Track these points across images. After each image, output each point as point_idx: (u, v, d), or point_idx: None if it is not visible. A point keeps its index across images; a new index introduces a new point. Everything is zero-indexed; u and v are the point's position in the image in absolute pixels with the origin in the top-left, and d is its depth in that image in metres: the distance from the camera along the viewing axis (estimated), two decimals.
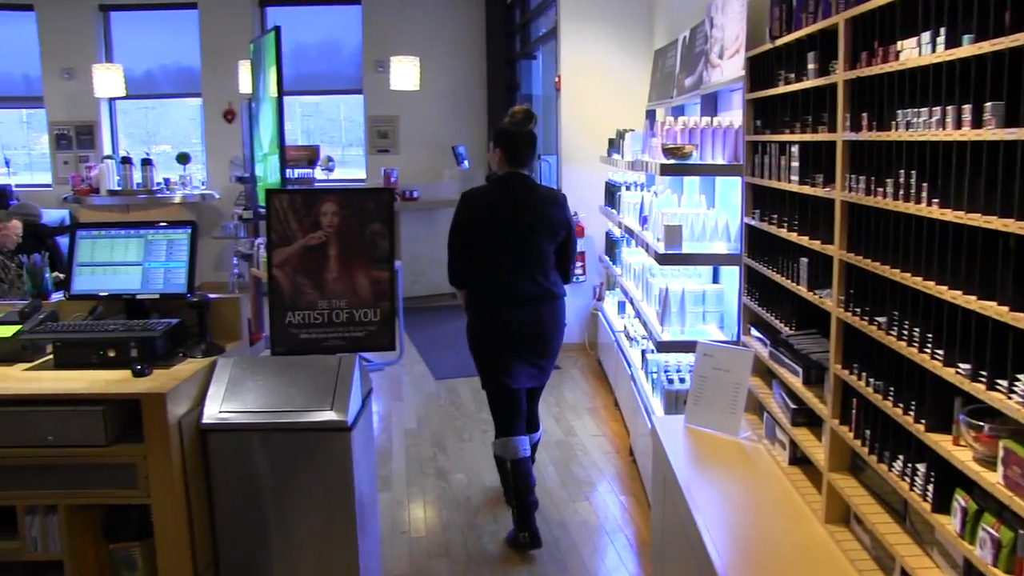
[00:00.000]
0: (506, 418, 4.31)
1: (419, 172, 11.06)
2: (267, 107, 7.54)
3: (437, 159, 11.00)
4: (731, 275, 4.34)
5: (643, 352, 5.08)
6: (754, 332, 3.46)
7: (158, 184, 11.10)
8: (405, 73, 10.13)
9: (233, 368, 3.38)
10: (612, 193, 6.52)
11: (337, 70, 11.85)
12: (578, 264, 7.65)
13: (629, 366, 5.43)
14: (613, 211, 6.42)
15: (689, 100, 5.39)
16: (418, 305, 9.95)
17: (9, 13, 11.78)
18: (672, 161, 3.97)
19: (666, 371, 4.35)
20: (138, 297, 3.60)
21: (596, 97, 7.58)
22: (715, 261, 4.06)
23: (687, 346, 4.15)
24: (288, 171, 10.99)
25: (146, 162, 10.98)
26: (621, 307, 6.62)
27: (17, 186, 11.83)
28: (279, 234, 3.85)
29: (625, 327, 6.10)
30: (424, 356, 7.91)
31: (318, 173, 11.03)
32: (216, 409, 3.24)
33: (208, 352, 3.48)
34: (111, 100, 12.14)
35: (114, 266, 3.64)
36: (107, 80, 11.02)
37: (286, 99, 12.21)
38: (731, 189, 4.64)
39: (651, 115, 6.95)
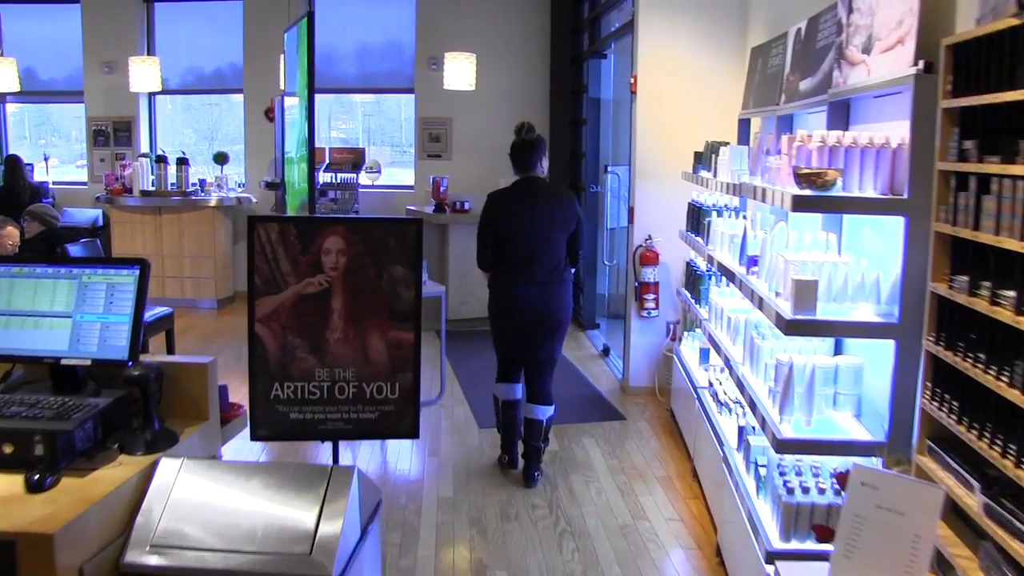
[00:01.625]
0: (505, 371, 5.31)
1: (472, 180, 10.03)
2: (299, 105, 6.57)
3: (492, 166, 9.86)
4: (868, 345, 3.23)
5: (741, 429, 3.98)
6: (935, 448, 2.36)
7: (193, 185, 10.29)
8: (460, 71, 9.13)
9: (181, 474, 2.36)
10: (698, 217, 5.42)
11: (390, 67, 10.88)
12: (650, 296, 6.57)
13: (718, 440, 4.33)
14: (699, 239, 5.32)
15: (805, 108, 4.28)
16: (465, 329, 8.92)
17: (57, 7, 11.15)
18: (808, 192, 2.87)
19: (781, 471, 3.25)
20: (63, 363, 2.60)
21: (677, 102, 6.49)
22: (866, 334, 2.95)
23: (818, 448, 3.04)
24: (331, 174, 10.14)
25: (181, 161, 10.20)
26: (704, 355, 5.52)
27: (55, 183, 11.21)
28: (265, 277, 2.83)
29: (711, 383, 5.00)
30: (468, 395, 6.88)
31: (363, 178, 10.12)
32: (146, 544, 2.21)
33: (153, 445, 2.47)
34: (151, 95, 11.42)
35: (36, 317, 2.65)
36: (144, 74, 10.26)
37: (345, 98, 11.48)
38: (864, 227, 3.53)
39: (744, 125, 5.84)
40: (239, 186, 10.78)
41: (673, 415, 6.20)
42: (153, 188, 10.13)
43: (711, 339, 4.74)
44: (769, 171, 3.45)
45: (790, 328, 2.90)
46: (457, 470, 5.38)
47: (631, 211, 6.76)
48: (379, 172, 10.33)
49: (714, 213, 5.05)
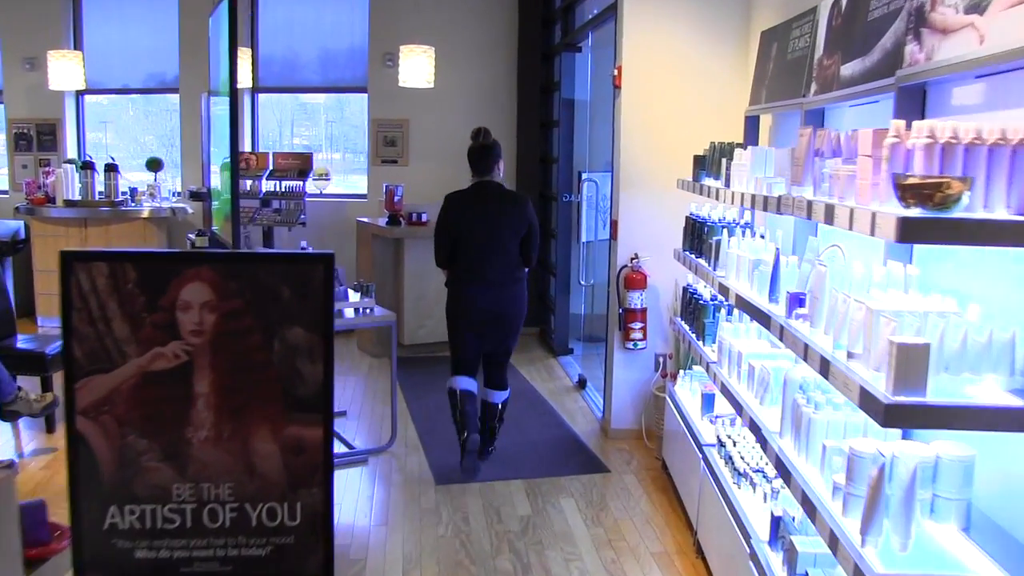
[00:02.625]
0: (460, 367, 5.34)
1: (431, 188, 8.99)
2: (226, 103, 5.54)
3: (453, 173, 8.77)
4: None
5: (776, 520, 3.02)
6: None
7: (123, 193, 9.21)
8: (417, 67, 8.14)
9: None
10: (700, 235, 4.48)
11: (343, 64, 9.88)
12: (636, 324, 5.63)
13: (739, 524, 3.38)
14: (701, 261, 4.37)
15: (848, 99, 3.34)
16: (424, 355, 7.94)
17: None
18: (918, 212, 1.91)
19: None
20: None
21: (669, 97, 5.54)
22: (1009, 424, 1.99)
23: None
24: (274, 182, 9.08)
25: (110, 168, 9.11)
26: (707, 402, 4.56)
27: None
28: (89, 347, 1.83)
29: (720, 440, 4.03)
30: (424, 439, 5.87)
31: (310, 186, 9.08)
32: None
33: None
34: (78, 94, 10.34)
35: None
36: (66, 70, 9.17)
37: (308, 104, 10.42)
38: (950, 257, 2.60)
39: (752, 123, 4.91)
40: (173, 195, 9.70)
41: (666, 467, 5.24)
42: (80, 198, 9.07)
43: (724, 389, 3.79)
44: (832, 180, 2.49)
45: (892, 416, 1.94)
46: (408, 544, 4.38)
47: (614, 225, 5.80)
48: (328, 179, 9.29)
49: (724, 231, 4.10)
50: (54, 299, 9.09)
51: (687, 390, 4.97)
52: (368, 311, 5.58)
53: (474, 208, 5.14)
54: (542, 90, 8.91)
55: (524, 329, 8.41)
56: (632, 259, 5.63)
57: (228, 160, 5.38)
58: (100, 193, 9.14)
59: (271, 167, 9.12)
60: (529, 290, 5.42)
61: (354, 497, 4.95)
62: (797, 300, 2.82)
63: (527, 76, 9.07)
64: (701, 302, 4.50)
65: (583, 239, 7.71)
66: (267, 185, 9.02)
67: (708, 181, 4.41)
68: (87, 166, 9.13)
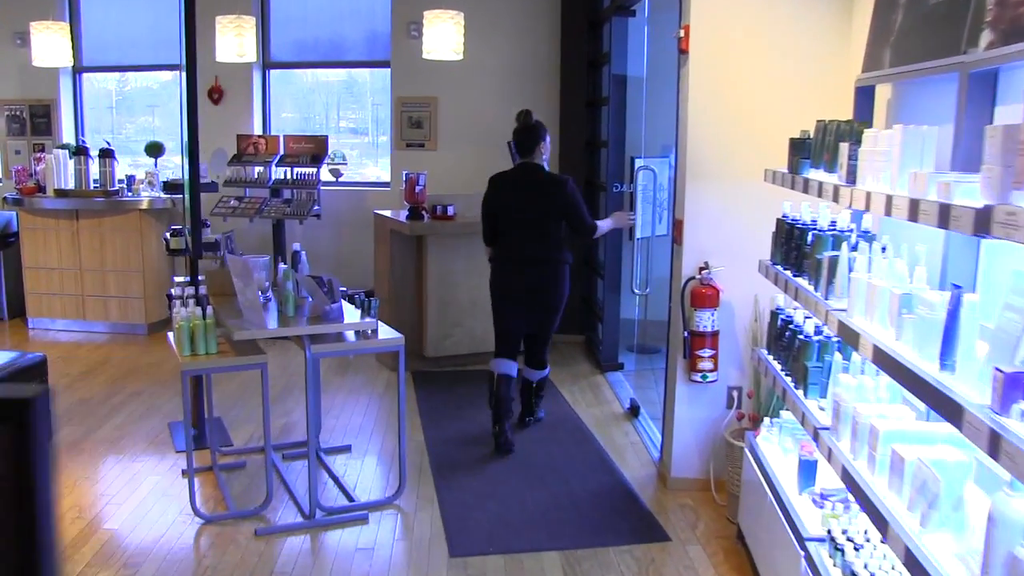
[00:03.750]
0: (502, 346, 5.41)
1: (461, 176, 7.92)
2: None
3: (486, 159, 7.65)
4: None
5: None
6: None
7: (120, 182, 8.23)
8: (443, 36, 6.99)
9: None
10: (799, 246, 3.31)
11: (363, 35, 8.83)
12: (705, 352, 4.47)
13: None
14: (804, 283, 3.21)
15: None
16: (448, 369, 6.85)
17: None
18: None
19: None
20: None
21: (749, 65, 4.35)
22: None
23: None
24: (286, 169, 8.05)
25: (105, 154, 8.13)
26: (807, 472, 3.39)
27: None
28: None
29: (834, 539, 2.87)
30: (440, 487, 4.75)
31: (325, 173, 8.03)
32: None
33: None
34: (76, 73, 9.44)
35: None
36: (51, 45, 8.16)
37: (355, 86, 9.38)
38: None
39: (865, 96, 3.71)
40: None
41: (741, 535, 4.08)
42: (73, 187, 8.13)
43: (846, 476, 2.62)
44: None
45: None
46: None
47: (678, 225, 4.64)
48: (343, 163, 8.22)
49: (843, 244, 2.91)
50: (45, 298, 8.21)
51: (775, 446, 3.80)
52: (369, 333, 4.49)
53: (511, 189, 5.28)
54: (589, 63, 7.72)
55: (566, 338, 7.38)
56: (701, 269, 4.46)
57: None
58: (95, 181, 8.20)
59: (282, 152, 8.10)
60: (574, 293, 5.51)
61: (344, 572, 3.87)
62: (1017, 383, 1.64)
63: (571, 46, 7.89)
64: (801, 335, 3.33)
65: (637, 235, 6.55)
66: (277, 172, 8.00)
67: (816, 174, 3.23)
68: (81, 151, 8.18)
